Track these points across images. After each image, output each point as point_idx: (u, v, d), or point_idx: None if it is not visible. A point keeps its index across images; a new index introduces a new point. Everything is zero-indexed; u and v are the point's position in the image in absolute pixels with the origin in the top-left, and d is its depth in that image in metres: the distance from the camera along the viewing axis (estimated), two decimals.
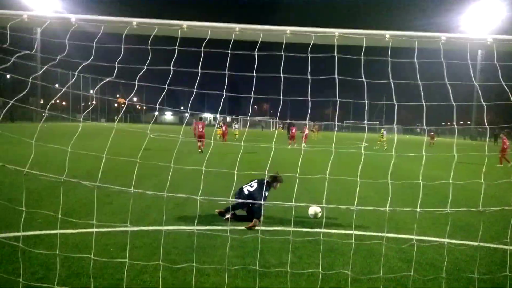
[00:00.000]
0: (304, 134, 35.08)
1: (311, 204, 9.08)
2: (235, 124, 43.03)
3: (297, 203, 7.74)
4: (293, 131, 35.55)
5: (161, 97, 6.00)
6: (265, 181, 8.85)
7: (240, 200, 8.74)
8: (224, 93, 5.28)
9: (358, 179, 5.14)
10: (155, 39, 5.00)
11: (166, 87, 5.41)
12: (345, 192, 12.88)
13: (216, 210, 8.95)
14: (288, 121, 55.40)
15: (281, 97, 5.38)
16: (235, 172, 5.15)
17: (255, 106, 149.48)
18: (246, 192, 8.89)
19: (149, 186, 12.00)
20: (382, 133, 38.66)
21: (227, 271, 5.95)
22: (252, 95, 5.16)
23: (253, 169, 15.73)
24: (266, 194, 8.76)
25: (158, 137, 37.23)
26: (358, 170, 5.43)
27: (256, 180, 9.13)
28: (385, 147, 36.15)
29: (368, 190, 13.13)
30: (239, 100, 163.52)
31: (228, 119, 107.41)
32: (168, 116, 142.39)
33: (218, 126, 35.92)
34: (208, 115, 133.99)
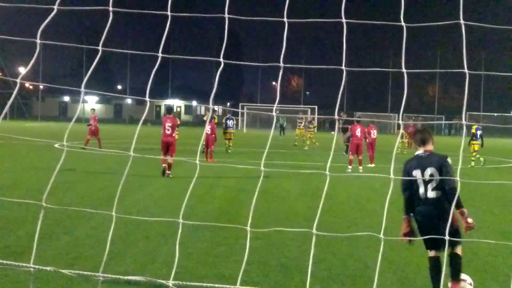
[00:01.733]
0: (372, 139, 17.36)
1: None
2: (227, 119, 22.63)
3: None
4: (358, 132, 16.27)
5: (89, 72, 3.18)
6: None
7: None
8: (221, 59, 2.50)
9: None
10: None
11: (100, 48, 2.66)
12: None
13: None
14: (343, 115, 26.18)
15: (343, 66, 2.65)
16: (248, 228, 2.46)
17: (274, 83, 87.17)
18: (430, 194, 4.35)
19: (54, 253, 5.90)
20: (474, 133, 19.08)
21: None
22: (281, 62, 2.47)
23: (271, 214, 8.71)
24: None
25: (74, 148, 20.29)
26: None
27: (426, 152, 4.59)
28: (481, 161, 19.08)
29: None
30: (241, 72, 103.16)
31: (218, 110, 62.97)
32: (91, 104, 71.59)
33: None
34: (177, 103, 79.80)
